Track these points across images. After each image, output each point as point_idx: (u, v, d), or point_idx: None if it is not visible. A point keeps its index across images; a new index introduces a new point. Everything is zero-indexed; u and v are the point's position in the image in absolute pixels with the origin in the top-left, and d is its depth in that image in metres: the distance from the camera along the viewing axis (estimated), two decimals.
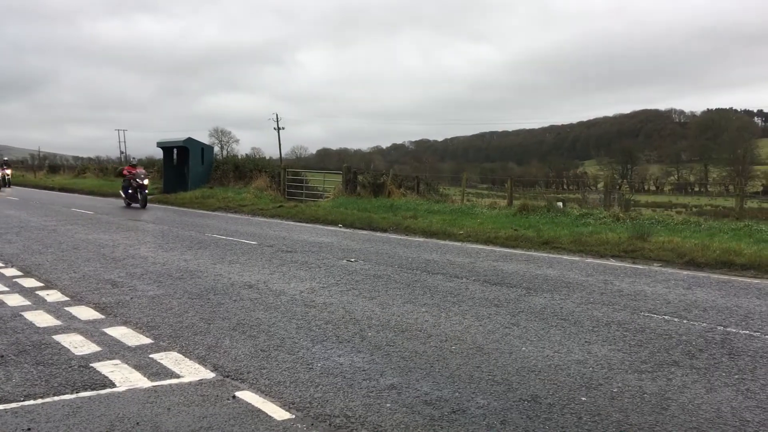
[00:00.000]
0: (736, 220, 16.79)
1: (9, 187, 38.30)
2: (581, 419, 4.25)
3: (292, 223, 18.88)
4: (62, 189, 38.64)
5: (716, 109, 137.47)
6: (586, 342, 6.08)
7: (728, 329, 6.57)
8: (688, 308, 7.52)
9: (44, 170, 57.89)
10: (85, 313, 7.09)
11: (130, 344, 5.90)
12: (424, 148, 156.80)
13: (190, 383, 4.91)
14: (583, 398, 4.62)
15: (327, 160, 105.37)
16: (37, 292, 8.14)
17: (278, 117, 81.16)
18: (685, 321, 6.92)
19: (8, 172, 39.22)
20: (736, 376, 5.14)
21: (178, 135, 36.02)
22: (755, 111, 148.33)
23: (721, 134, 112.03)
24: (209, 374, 5.12)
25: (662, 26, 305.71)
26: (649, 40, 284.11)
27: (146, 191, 24.32)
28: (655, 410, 4.42)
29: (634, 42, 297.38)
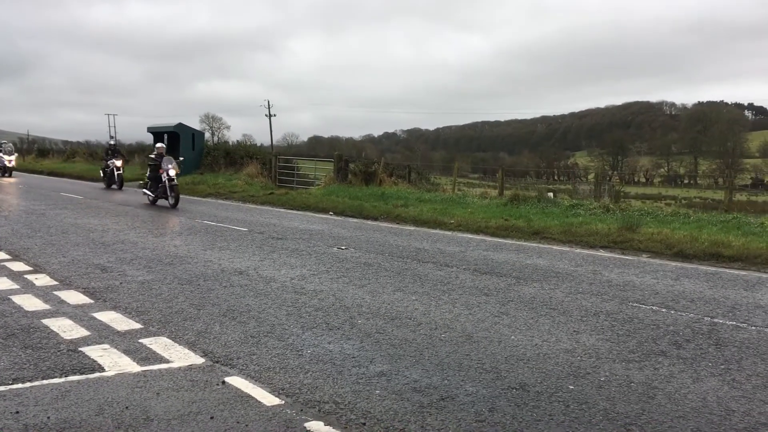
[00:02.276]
0: (724, 212, 16.91)
1: (121, 186, 26.10)
2: (569, 407, 4.28)
3: (282, 210, 18.84)
4: (51, 173, 38.38)
5: (707, 101, 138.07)
6: (574, 331, 6.12)
7: (715, 320, 6.63)
8: (676, 299, 7.57)
9: (33, 154, 57.39)
10: (74, 297, 7.07)
11: (119, 329, 5.89)
12: (415, 137, 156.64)
13: (179, 368, 4.91)
14: (571, 387, 4.66)
15: (318, 147, 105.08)
16: (25, 276, 8.10)
17: (270, 104, 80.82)
18: (672, 311, 6.97)
19: (118, 164, 26.53)
20: (722, 367, 5.19)
21: (168, 120, 35.82)
22: (746, 104, 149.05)
23: (712, 127, 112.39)
24: (199, 360, 5.12)
25: (653, 19, 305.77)
26: (640, 32, 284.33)
27: None
28: (641, 399, 4.46)
29: (626, 34, 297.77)
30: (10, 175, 33.52)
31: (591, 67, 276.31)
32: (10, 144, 36.78)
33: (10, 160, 34.09)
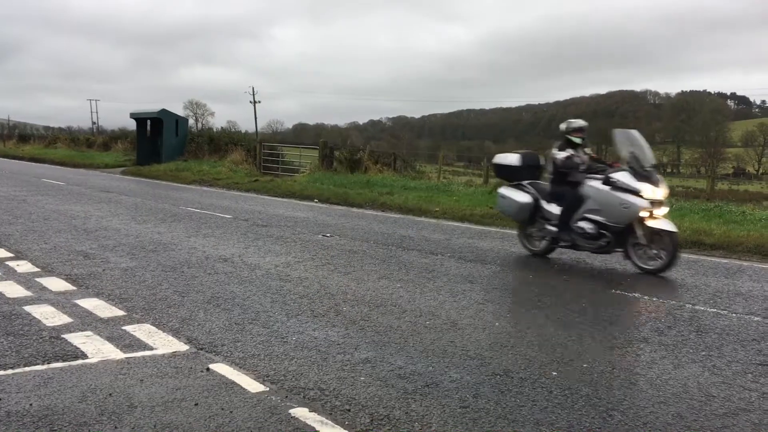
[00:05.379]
0: (706, 201, 17.07)
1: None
2: (552, 393, 4.32)
3: (267, 197, 18.76)
4: (32, 159, 37.90)
5: (690, 91, 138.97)
6: (558, 318, 6.16)
7: (696, 307, 6.71)
8: (658, 286, 7.64)
9: (14, 140, 56.63)
10: (56, 284, 7.01)
11: (102, 316, 5.85)
12: (401, 124, 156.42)
13: (163, 355, 4.89)
14: (554, 373, 4.70)
15: (303, 135, 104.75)
16: (7, 263, 8.01)
17: (254, 91, 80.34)
18: (655, 299, 7.04)
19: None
20: (703, 353, 5.25)
21: (152, 106, 35.55)
22: (728, 94, 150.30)
23: (695, 116, 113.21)
24: (183, 346, 5.10)
25: (632, 9, 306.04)
26: (620, 22, 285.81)
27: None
28: (623, 385, 4.51)
29: (606, 24, 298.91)
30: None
31: (574, 56, 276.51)
32: (652, 159, 8.75)
33: (655, 204, 8.38)
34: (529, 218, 9.54)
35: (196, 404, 4.00)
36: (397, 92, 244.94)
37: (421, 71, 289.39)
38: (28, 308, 6.03)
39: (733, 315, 6.45)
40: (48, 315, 5.83)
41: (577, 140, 9.22)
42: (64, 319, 5.73)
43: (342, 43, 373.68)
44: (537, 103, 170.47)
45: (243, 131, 49.98)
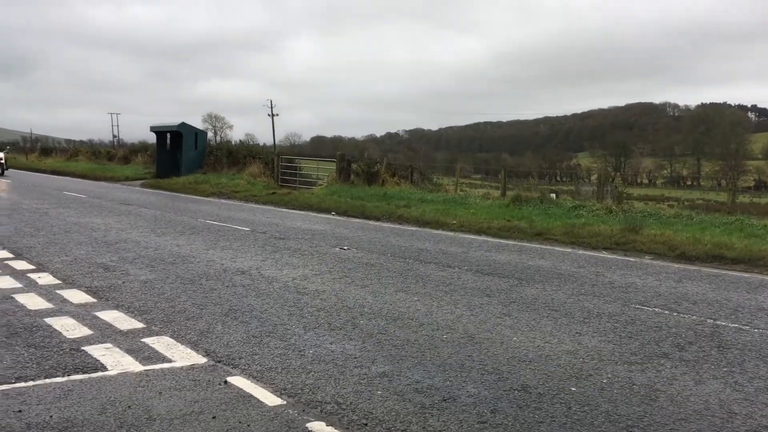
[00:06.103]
0: (727, 214, 16.88)
1: None
2: (571, 409, 4.28)
3: (285, 210, 18.85)
4: (54, 172, 38.44)
5: (710, 103, 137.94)
6: (576, 333, 6.11)
7: (718, 322, 6.62)
8: (679, 301, 7.56)
9: (36, 152, 57.52)
10: (76, 296, 7.08)
11: (121, 328, 5.90)
12: (418, 137, 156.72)
13: (181, 368, 4.92)
14: (573, 388, 4.66)
15: (321, 147, 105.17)
16: (28, 275, 8.11)
17: (272, 104, 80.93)
18: (675, 314, 6.96)
19: None
20: (725, 369, 5.18)
21: (171, 119, 35.88)
22: (749, 106, 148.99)
23: (715, 128, 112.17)
24: (201, 359, 5.13)
25: (647, 23, 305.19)
26: (636, 35, 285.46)
27: None
28: (643, 401, 4.45)
29: (622, 37, 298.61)
30: None
31: (591, 68, 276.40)
32: None
33: None
34: None
35: (214, 417, 4.01)
36: (413, 105, 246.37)
37: (436, 84, 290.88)
38: (49, 320, 6.09)
39: (756, 330, 6.36)
40: (68, 327, 5.89)
41: None
42: (84, 331, 5.79)
43: (357, 56, 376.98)
44: (554, 115, 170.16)
45: (261, 144, 50.33)
